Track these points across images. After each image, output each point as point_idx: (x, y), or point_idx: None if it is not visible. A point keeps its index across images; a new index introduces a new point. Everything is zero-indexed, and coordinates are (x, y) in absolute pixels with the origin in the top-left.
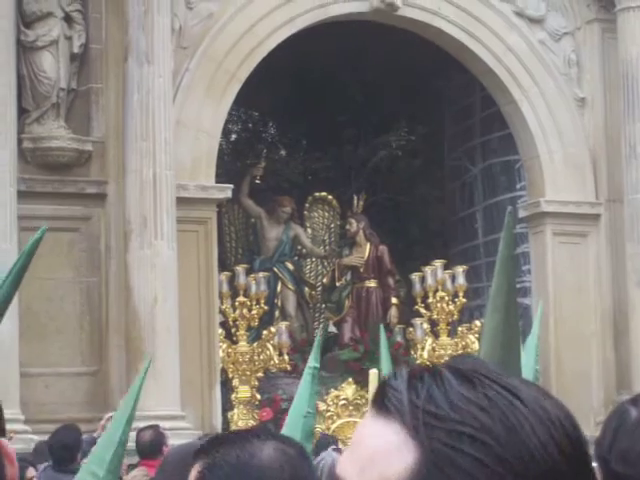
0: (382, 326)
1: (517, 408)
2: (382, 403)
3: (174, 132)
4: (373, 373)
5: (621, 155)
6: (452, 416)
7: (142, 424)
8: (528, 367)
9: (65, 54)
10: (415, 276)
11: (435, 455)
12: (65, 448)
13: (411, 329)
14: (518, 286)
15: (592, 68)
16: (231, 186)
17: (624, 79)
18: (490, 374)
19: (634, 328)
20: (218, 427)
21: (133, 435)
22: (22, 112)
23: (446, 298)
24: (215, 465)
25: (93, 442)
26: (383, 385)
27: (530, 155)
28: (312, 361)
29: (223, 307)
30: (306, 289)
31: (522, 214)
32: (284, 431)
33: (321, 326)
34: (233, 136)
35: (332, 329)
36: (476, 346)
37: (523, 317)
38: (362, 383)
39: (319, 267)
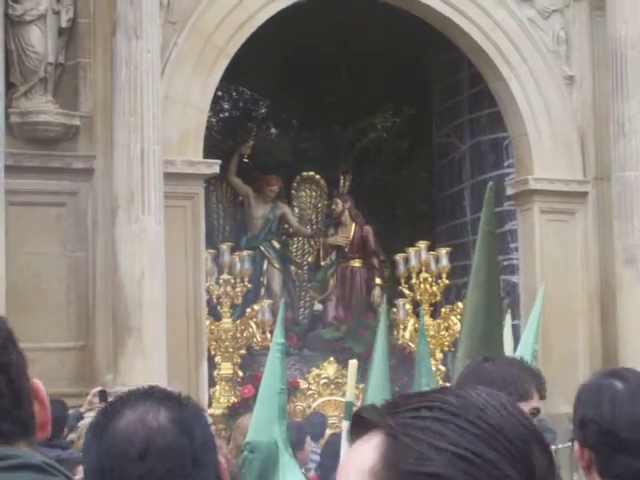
0: (385, 307)
1: (465, 389)
2: (355, 427)
3: (162, 107)
4: (353, 364)
5: (609, 133)
6: (409, 400)
7: None
8: (527, 345)
9: (53, 28)
10: (399, 257)
11: (400, 426)
12: (51, 423)
13: (394, 309)
14: (506, 264)
15: (581, 46)
16: (219, 162)
17: (613, 57)
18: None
19: (621, 306)
20: (205, 403)
21: None
22: (9, 86)
23: (429, 279)
24: (89, 426)
25: (79, 417)
26: (355, 416)
27: (518, 133)
28: (278, 337)
29: (207, 284)
30: (292, 268)
31: (510, 192)
32: (258, 408)
33: (282, 302)
34: (224, 114)
35: (318, 307)
36: (458, 327)
37: (511, 294)
38: (343, 362)
39: (306, 246)
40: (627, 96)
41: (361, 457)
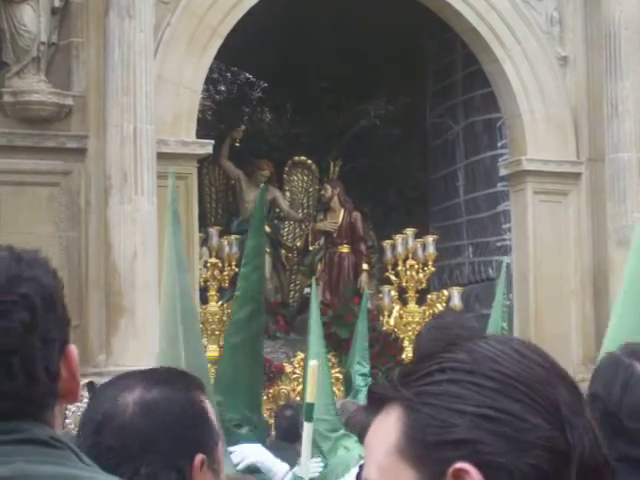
0: (367, 292)
1: (475, 341)
2: (370, 404)
3: (155, 87)
4: (313, 365)
5: (603, 114)
6: (420, 366)
7: None
8: (496, 324)
9: (46, 8)
10: (387, 244)
11: (416, 396)
12: None
13: (380, 295)
14: (498, 244)
15: (574, 26)
16: (212, 142)
17: (606, 38)
18: None
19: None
20: None
21: None
22: (2, 66)
23: (416, 266)
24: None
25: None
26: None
27: (512, 113)
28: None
29: None
30: (283, 251)
31: (503, 172)
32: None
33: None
34: (219, 97)
35: (307, 291)
36: None
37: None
38: (329, 347)
39: (297, 230)
40: (620, 77)
41: (383, 435)
